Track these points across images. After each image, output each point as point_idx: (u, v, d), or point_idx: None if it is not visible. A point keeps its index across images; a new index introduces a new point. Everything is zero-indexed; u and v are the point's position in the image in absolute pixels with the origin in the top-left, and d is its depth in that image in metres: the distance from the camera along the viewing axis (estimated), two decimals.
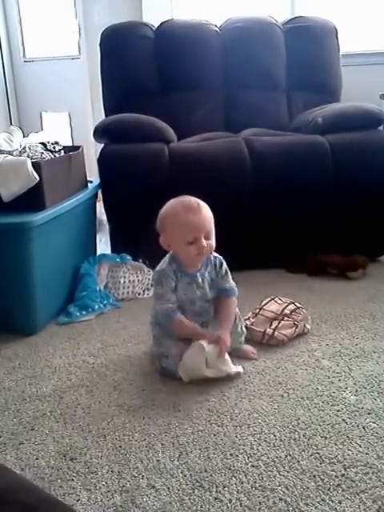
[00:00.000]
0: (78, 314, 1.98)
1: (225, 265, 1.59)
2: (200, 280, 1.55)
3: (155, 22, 2.91)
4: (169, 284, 1.51)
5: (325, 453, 1.22)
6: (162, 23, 2.90)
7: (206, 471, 1.18)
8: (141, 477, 1.17)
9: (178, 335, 1.54)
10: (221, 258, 1.59)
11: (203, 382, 1.52)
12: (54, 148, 2.08)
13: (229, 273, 1.61)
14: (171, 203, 1.52)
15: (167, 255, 1.57)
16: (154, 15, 3.19)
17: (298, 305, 1.82)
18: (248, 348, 1.67)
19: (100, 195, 2.32)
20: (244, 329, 1.67)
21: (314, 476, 1.15)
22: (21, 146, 2.07)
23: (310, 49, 2.89)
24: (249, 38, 2.87)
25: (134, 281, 2.17)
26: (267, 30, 2.90)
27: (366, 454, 1.21)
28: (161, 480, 1.16)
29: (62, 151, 2.13)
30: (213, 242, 1.51)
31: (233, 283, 1.61)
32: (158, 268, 1.56)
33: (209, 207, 1.51)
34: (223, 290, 1.59)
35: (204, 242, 1.47)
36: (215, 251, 1.59)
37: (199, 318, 1.58)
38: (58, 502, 0.74)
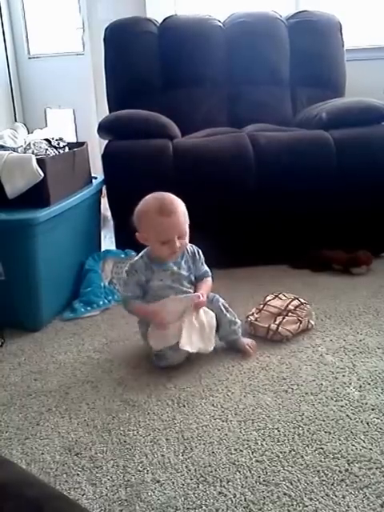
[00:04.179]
0: (82, 309, 1.98)
1: (200, 253, 1.65)
2: (175, 268, 1.58)
3: (159, 18, 2.91)
4: (135, 277, 1.57)
5: (329, 448, 1.23)
6: (165, 19, 2.89)
7: (210, 466, 1.19)
8: (145, 471, 1.18)
9: (141, 318, 1.63)
10: (196, 247, 1.64)
11: (207, 377, 1.53)
12: (58, 144, 2.09)
13: (203, 259, 1.66)
14: (146, 201, 1.54)
15: (144, 249, 1.60)
16: (157, 11, 3.19)
17: (302, 301, 1.82)
18: (246, 340, 1.67)
19: (104, 191, 2.32)
20: (236, 319, 1.67)
21: (318, 471, 1.16)
22: (25, 142, 2.07)
23: (314, 44, 2.88)
24: (253, 33, 2.86)
25: None
26: (271, 25, 2.90)
27: (370, 449, 1.22)
28: (165, 475, 1.17)
29: (67, 147, 2.14)
30: (187, 239, 1.55)
31: (207, 267, 1.67)
32: (131, 261, 1.62)
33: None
34: (201, 274, 1.65)
35: (177, 242, 1.50)
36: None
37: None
38: (63, 497, 0.74)
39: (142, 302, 1.59)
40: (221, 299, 1.66)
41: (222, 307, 1.64)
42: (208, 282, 1.65)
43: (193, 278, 1.64)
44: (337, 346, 1.68)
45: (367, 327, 1.79)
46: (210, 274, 1.67)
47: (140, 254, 1.61)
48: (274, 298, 1.84)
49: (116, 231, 2.37)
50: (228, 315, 1.65)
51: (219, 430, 1.31)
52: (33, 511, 0.65)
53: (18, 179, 1.84)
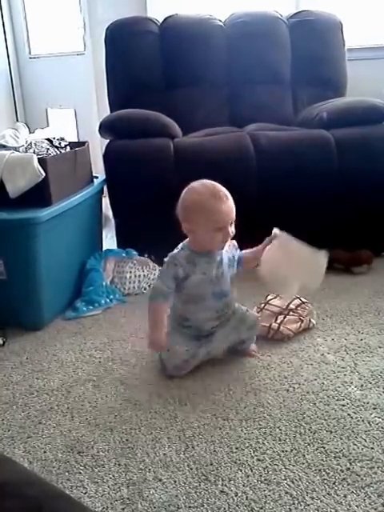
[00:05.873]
0: (84, 308, 1.99)
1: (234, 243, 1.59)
2: (218, 258, 1.51)
3: (160, 17, 2.91)
4: (172, 270, 1.47)
5: (330, 447, 1.23)
6: (166, 18, 2.89)
7: (212, 464, 1.19)
8: (147, 470, 1.19)
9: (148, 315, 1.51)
10: (234, 241, 1.59)
11: (208, 376, 1.53)
12: (59, 144, 2.09)
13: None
14: (197, 189, 1.47)
15: (184, 241, 1.53)
16: (158, 10, 3.18)
17: (304, 300, 1.83)
18: (253, 347, 1.66)
19: (106, 191, 2.33)
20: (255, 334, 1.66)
21: (320, 470, 1.16)
22: (27, 142, 2.08)
23: (314, 43, 2.88)
24: (253, 32, 2.85)
25: (139, 276, 2.17)
26: (272, 24, 2.89)
27: (372, 448, 1.22)
28: (167, 473, 1.17)
29: (68, 147, 2.14)
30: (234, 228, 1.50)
31: None
32: (171, 252, 1.52)
33: None
34: (239, 256, 1.59)
35: (230, 229, 1.46)
36: None
37: (218, 301, 1.54)
38: (64, 495, 0.74)
39: (182, 298, 1.53)
40: (258, 324, 1.65)
41: (254, 333, 1.64)
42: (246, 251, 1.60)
43: (233, 273, 1.57)
44: (338, 345, 1.68)
45: (368, 326, 1.79)
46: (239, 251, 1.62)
47: (180, 247, 1.52)
48: (275, 297, 1.84)
49: (117, 230, 2.38)
50: (254, 338, 1.65)
51: (221, 428, 1.31)
52: (33, 510, 0.65)
53: (19, 179, 1.84)
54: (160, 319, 1.49)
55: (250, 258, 1.58)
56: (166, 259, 1.51)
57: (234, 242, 1.58)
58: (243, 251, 1.60)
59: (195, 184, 1.48)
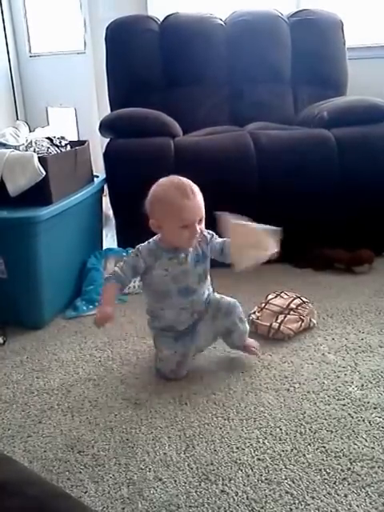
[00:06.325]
0: (84, 308, 1.99)
1: (214, 234, 1.54)
2: (183, 255, 1.49)
3: (160, 16, 2.90)
4: (134, 261, 1.48)
5: (331, 447, 1.23)
6: (167, 17, 2.89)
7: (212, 464, 1.19)
8: (148, 469, 1.18)
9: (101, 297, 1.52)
10: (210, 231, 1.54)
11: (208, 375, 1.53)
12: (60, 143, 2.09)
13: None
14: (164, 186, 1.46)
15: (155, 236, 1.52)
16: (158, 9, 3.18)
17: (304, 299, 1.82)
18: (250, 342, 1.64)
19: (106, 190, 2.32)
20: (247, 327, 1.63)
21: (320, 470, 1.16)
22: (27, 140, 2.07)
23: (315, 42, 2.87)
24: (254, 31, 2.85)
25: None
26: (272, 23, 2.89)
27: (372, 448, 1.22)
28: (167, 473, 1.17)
29: (68, 146, 2.14)
30: (203, 225, 1.48)
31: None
32: (139, 244, 1.53)
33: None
34: (222, 244, 1.52)
35: (197, 226, 1.44)
36: None
37: (184, 298, 1.52)
38: (64, 495, 0.74)
39: (149, 294, 1.53)
40: (239, 308, 1.58)
41: (238, 319, 1.58)
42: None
43: (203, 272, 1.54)
44: (339, 345, 1.68)
45: (369, 326, 1.79)
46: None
47: (150, 240, 1.52)
48: (275, 297, 1.84)
49: (118, 230, 2.37)
50: (241, 326, 1.59)
51: (221, 428, 1.31)
52: (34, 509, 0.65)
53: (19, 177, 1.84)
54: (108, 296, 1.47)
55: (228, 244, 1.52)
56: (132, 249, 1.52)
57: (210, 232, 1.53)
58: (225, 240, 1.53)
59: (163, 180, 1.47)
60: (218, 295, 1.60)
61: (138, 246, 1.52)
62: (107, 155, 2.29)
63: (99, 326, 1.45)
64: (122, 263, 1.50)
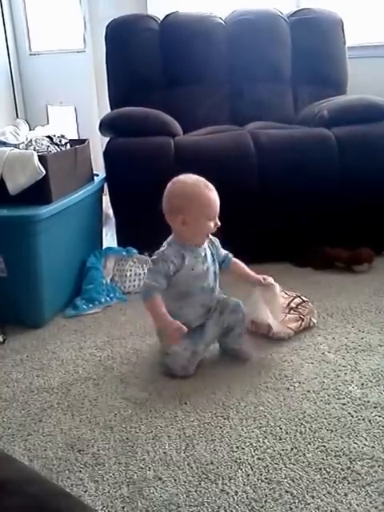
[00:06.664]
0: (84, 307, 1.99)
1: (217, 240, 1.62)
2: (203, 254, 1.54)
3: (160, 15, 2.90)
4: (164, 267, 1.46)
5: (331, 446, 1.23)
6: (166, 16, 2.88)
7: (212, 463, 1.19)
8: (148, 468, 1.18)
9: (150, 313, 1.51)
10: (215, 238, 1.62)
11: (208, 375, 1.53)
12: (60, 141, 2.08)
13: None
14: (188, 183, 1.49)
15: (168, 239, 1.54)
16: (158, 8, 3.17)
17: (304, 298, 1.82)
18: (246, 347, 1.63)
19: (106, 189, 2.32)
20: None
21: (320, 469, 1.16)
22: (27, 139, 2.07)
23: (315, 41, 2.87)
24: (254, 30, 2.85)
25: (140, 274, 2.17)
26: (272, 22, 2.88)
27: (372, 447, 1.22)
28: (167, 472, 1.17)
29: (68, 145, 2.13)
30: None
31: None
32: (158, 251, 1.52)
33: None
34: (226, 256, 1.63)
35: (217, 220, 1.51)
36: (221, 244, 1.62)
37: (206, 296, 1.55)
38: (64, 494, 0.74)
39: (170, 295, 1.51)
40: (243, 310, 1.61)
41: (241, 319, 1.61)
42: (239, 262, 1.64)
43: (218, 271, 1.58)
44: (338, 344, 1.68)
45: (369, 325, 1.79)
46: (231, 254, 1.64)
47: (165, 244, 1.52)
48: None
49: (118, 228, 2.37)
50: (241, 326, 1.62)
51: (221, 427, 1.31)
52: (34, 508, 0.65)
53: (19, 176, 1.84)
54: (162, 311, 1.45)
55: (238, 273, 1.64)
56: (153, 257, 1.51)
57: (215, 238, 1.60)
58: (234, 259, 1.63)
59: (182, 177, 1.51)
60: (224, 295, 1.64)
61: (161, 253, 1.50)
62: (107, 154, 2.29)
63: (177, 340, 1.46)
64: (150, 276, 1.48)
